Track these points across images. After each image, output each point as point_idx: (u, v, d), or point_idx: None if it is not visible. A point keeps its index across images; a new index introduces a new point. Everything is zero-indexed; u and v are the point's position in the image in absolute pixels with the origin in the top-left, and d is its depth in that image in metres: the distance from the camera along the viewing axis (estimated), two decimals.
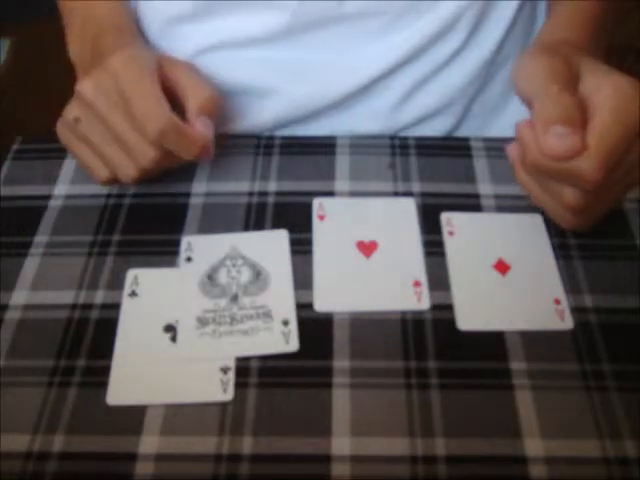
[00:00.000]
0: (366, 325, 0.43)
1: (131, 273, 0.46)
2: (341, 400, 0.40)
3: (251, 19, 0.54)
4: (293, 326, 0.43)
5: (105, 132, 0.45)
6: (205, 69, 0.51)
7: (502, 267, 0.46)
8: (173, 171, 0.50)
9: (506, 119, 0.62)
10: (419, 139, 0.55)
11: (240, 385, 0.40)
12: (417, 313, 0.44)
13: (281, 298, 0.44)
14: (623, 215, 0.49)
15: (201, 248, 0.47)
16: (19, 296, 0.45)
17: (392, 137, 0.55)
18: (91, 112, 0.45)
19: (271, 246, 0.47)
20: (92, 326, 0.43)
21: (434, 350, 0.42)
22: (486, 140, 0.54)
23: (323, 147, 0.54)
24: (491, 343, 0.42)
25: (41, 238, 0.48)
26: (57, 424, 0.39)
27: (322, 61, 0.56)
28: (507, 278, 0.45)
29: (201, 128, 0.46)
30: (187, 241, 0.48)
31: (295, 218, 0.49)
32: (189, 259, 0.47)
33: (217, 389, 0.40)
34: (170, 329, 0.43)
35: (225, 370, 0.41)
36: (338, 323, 0.43)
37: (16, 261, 0.47)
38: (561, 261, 0.46)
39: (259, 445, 0.38)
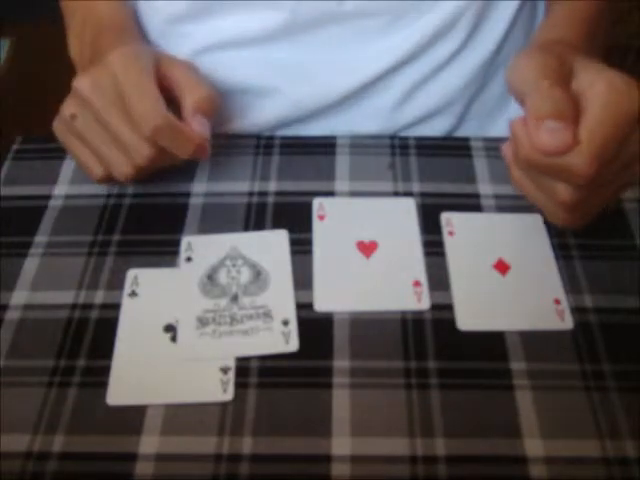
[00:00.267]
0: (366, 325, 0.43)
1: (131, 273, 0.46)
2: (341, 400, 0.40)
3: (250, 18, 0.54)
4: (293, 326, 0.43)
5: (101, 129, 0.45)
6: (205, 69, 0.51)
7: (502, 267, 0.46)
8: (171, 171, 0.50)
9: (506, 119, 0.62)
10: (419, 139, 0.55)
11: (240, 385, 0.40)
12: (417, 313, 0.44)
13: (281, 298, 0.44)
14: (623, 215, 0.49)
15: (201, 248, 0.47)
16: (19, 296, 0.45)
17: (392, 137, 0.55)
18: (87, 109, 0.45)
19: (271, 246, 0.47)
20: (92, 326, 0.43)
21: (434, 350, 0.42)
22: (486, 140, 0.54)
23: (323, 147, 0.54)
24: (491, 343, 0.42)
25: (41, 238, 0.48)
26: (57, 424, 0.39)
27: (322, 61, 0.56)
28: (507, 278, 0.45)
29: (197, 127, 0.46)
30: (187, 241, 0.48)
31: (295, 218, 0.49)
32: (189, 259, 0.47)
33: (217, 389, 0.40)
34: (170, 329, 0.43)
35: (225, 370, 0.41)
36: (338, 323, 0.43)
37: (16, 261, 0.47)
38: (561, 261, 0.46)
39: (259, 445, 0.38)
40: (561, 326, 0.43)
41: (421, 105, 0.58)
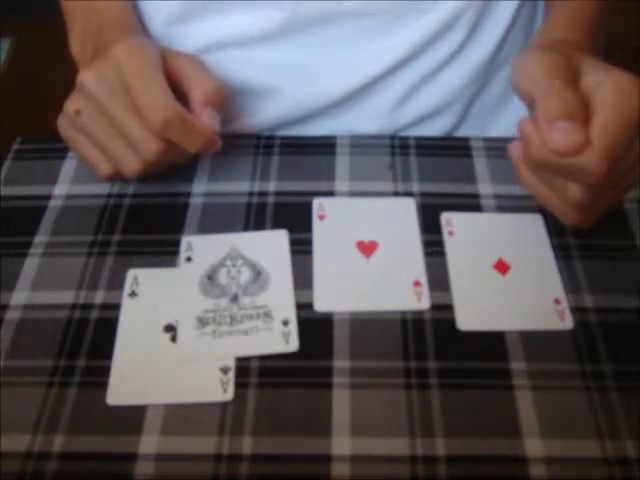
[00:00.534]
0: (366, 325, 0.43)
1: (131, 273, 0.46)
2: (341, 400, 0.40)
3: (249, 18, 0.54)
4: (293, 326, 0.43)
5: (107, 124, 0.44)
6: None
7: (502, 267, 0.46)
8: (176, 169, 0.50)
9: (506, 119, 0.62)
10: (419, 139, 0.55)
11: (240, 385, 0.40)
12: (417, 313, 0.44)
13: (281, 298, 0.44)
14: (623, 215, 0.49)
15: (201, 248, 0.47)
16: (19, 296, 0.45)
17: (392, 137, 0.55)
18: (93, 104, 0.44)
19: (271, 246, 0.47)
20: (92, 326, 0.43)
21: (434, 350, 0.42)
22: (486, 140, 0.54)
23: (323, 147, 0.54)
24: (491, 343, 0.42)
25: (41, 238, 0.48)
26: (57, 424, 0.39)
27: (322, 61, 0.56)
28: (507, 278, 0.45)
29: (206, 119, 0.45)
30: (187, 241, 0.48)
31: (295, 218, 0.49)
32: (189, 259, 0.47)
33: (217, 389, 0.40)
34: (170, 329, 0.43)
35: (225, 370, 0.41)
36: (338, 323, 0.43)
37: (16, 261, 0.47)
38: (561, 261, 0.46)
39: (259, 445, 0.38)
40: (561, 326, 0.43)
41: (421, 105, 0.58)
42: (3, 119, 1.19)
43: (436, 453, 0.38)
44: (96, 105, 0.44)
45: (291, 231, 0.48)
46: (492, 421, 0.39)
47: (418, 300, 0.44)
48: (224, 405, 0.40)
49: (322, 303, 0.44)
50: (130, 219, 0.49)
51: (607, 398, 0.40)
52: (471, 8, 0.54)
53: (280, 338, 0.42)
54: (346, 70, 0.56)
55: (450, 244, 0.47)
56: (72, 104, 0.45)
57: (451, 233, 0.48)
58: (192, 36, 0.56)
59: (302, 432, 0.39)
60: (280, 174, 0.52)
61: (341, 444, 0.38)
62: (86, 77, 0.44)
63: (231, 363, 0.41)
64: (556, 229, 0.48)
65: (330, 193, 0.51)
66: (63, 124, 0.47)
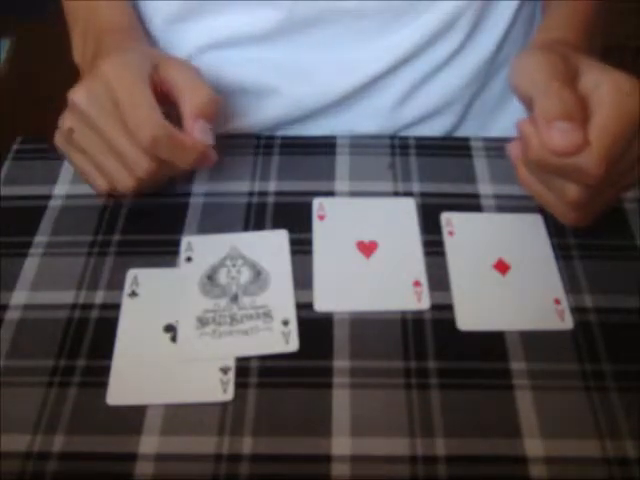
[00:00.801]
0: (366, 325, 0.43)
1: (131, 273, 0.46)
2: (341, 400, 0.40)
3: (247, 17, 0.54)
4: (293, 326, 0.43)
5: (100, 142, 0.44)
6: (203, 69, 0.50)
7: (502, 267, 0.46)
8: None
9: (506, 119, 0.62)
10: (419, 139, 0.55)
11: (240, 385, 0.40)
12: (417, 313, 0.44)
13: (281, 298, 0.44)
14: (623, 215, 0.49)
15: (201, 248, 0.47)
16: (19, 296, 0.45)
17: (392, 137, 0.55)
18: (84, 122, 0.44)
19: (271, 246, 0.47)
20: (92, 326, 0.43)
21: (434, 350, 0.42)
22: (486, 140, 0.54)
23: (323, 147, 0.54)
24: (491, 343, 0.42)
25: (41, 238, 0.48)
26: (57, 424, 0.39)
27: (321, 60, 0.56)
28: (507, 278, 0.45)
29: (198, 134, 0.44)
30: (187, 241, 0.48)
31: (295, 218, 0.49)
32: (189, 259, 0.47)
33: (217, 389, 0.40)
34: (170, 329, 0.43)
35: (225, 370, 0.41)
36: (338, 323, 0.43)
37: (16, 261, 0.47)
38: (561, 261, 0.46)
39: (259, 445, 0.38)
40: (561, 326, 0.43)
41: (421, 105, 0.58)
42: (3, 119, 1.19)
43: (436, 453, 0.38)
44: (87, 123, 0.44)
45: (291, 231, 0.48)
46: (492, 421, 0.39)
47: (418, 300, 0.44)
48: (224, 405, 0.40)
49: (322, 303, 0.44)
50: (130, 219, 0.49)
51: (607, 398, 0.40)
52: (471, 8, 0.54)
53: (280, 338, 0.42)
54: (346, 70, 0.56)
55: (450, 244, 0.47)
56: (65, 122, 0.45)
57: (451, 233, 0.48)
58: (191, 36, 0.56)
59: (302, 432, 0.39)
60: (280, 174, 0.52)
61: (341, 444, 0.38)
62: (77, 95, 0.44)
63: (231, 363, 0.41)
64: (556, 229, 0.48)
65: (330, 193, 0.51)
66: (60, 141, 0.47)
